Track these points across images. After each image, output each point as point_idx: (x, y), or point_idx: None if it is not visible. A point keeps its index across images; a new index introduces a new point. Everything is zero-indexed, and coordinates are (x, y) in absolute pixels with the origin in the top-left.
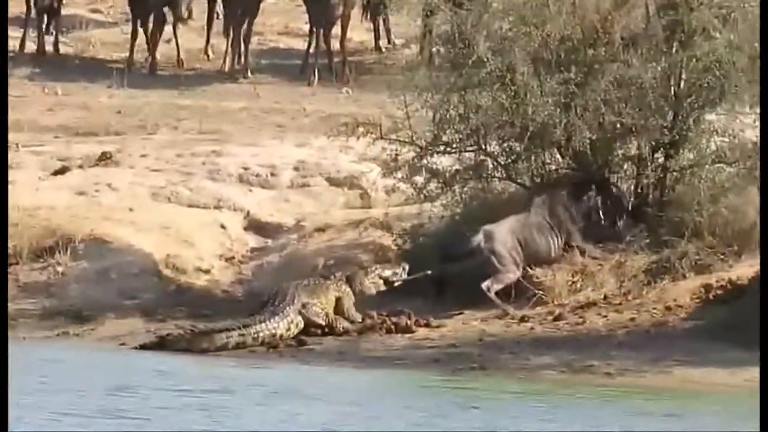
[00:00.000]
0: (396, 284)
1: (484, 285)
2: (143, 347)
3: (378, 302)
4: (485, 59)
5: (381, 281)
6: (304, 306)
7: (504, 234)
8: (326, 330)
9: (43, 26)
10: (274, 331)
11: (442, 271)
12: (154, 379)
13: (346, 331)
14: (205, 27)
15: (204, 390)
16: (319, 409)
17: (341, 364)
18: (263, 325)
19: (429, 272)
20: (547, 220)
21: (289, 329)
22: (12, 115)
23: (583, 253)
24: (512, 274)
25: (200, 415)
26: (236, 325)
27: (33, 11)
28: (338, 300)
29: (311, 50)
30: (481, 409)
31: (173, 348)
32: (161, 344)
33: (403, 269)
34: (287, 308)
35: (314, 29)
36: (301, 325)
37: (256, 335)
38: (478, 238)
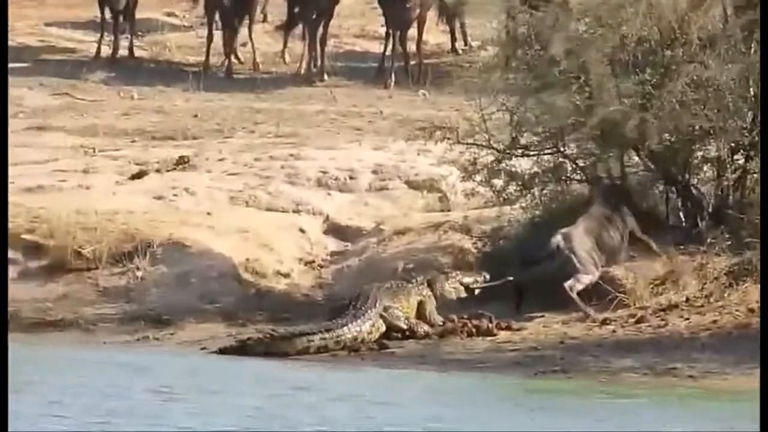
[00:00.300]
0: (476, 292)
1: (567, 284)
2: (223, 351)
3: (459, 306)
4: (559, 60)
5: (461, 287)
6: (385, 309)
7: (581, 235)
8: (407, 333)
9: (118, 30)
10: (356, 335)
11: (522, 275)
12: (235, 382)
13: (427, 335)
14: (283, 30)
15: (286, 392)
16: (401, 413)
17: (422, 367)
18: (345, 328)
19: (510, 278)
20: (609, 212)
21: (370, 332)
22: (88, 120)
23: (643, 242)
24: (592, 275)
25: (286, 416)
26: (318, 329)
27: (108, 15)
28: (420, 304)
29: (388, 53)
30: (564, 412)
31: (254, 352)
32: (242, 348)
33: (484, 278)
34: (369, 311)
35: (391, 32)
36: (383, 329)
37: (337, 339)
38: (557, 240)
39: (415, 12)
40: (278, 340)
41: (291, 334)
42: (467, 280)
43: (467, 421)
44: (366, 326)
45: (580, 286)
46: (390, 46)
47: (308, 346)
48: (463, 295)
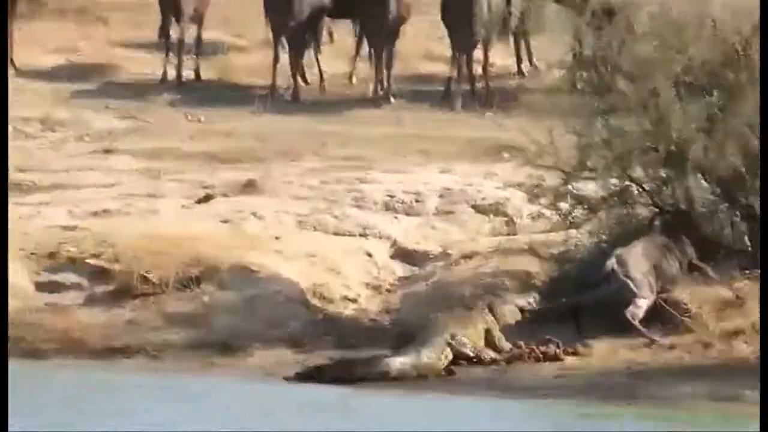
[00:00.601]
0: (528, 314)
1: (628, 313)
2: (299, 376)
3: (528, 331)
4: (626, 83)
5: (518, 310)
6: (452, 337)
7: (637, 258)
8: (474, 360)
9: (184, 51)
10: (427, 362)
11: (579, 298)
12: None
13: (494, 361)
14: (353, 52)
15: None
16: None
17: (490, 393)
18: (415, 355)
19: (564, 300)
20: (669, 240)
21: (439, 359)
22: (154, 143)
23: (701, 270)
24: (648, 299)
25: None
26: (395, 354)
27: (173, 37)
28: (487, 331)
29: (454, 75)
30: None
31: (330, 377)
32: (319, 372)
33: (534, 298)
34: (437, 339)
35: (457, 54)
36: (450, 356)
37: (412, 364)
38: (611, 263)
39: (481, 33)
40: (352, 365)
41: (367, 359)
42: (521, 302)
43: None
44: (434, 353)
45: (640, 313)
46: (456, 69)
47: (387, 371)
48: (519, 317)
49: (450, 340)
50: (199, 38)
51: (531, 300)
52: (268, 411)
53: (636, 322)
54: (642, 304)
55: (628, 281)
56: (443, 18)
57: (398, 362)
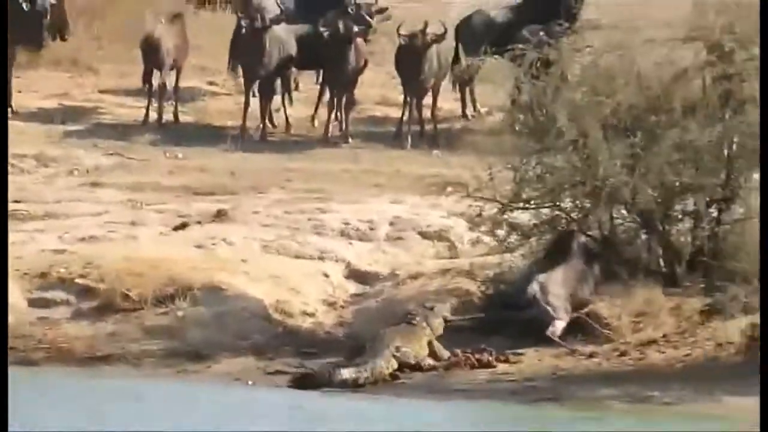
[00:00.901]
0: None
1: (549, 333)
2: (292, 383)
3: (464, 341)
4: (563, 129)
5: (442, 321)
6: (397, 349)
7: (557, 285)
8: (416, 367)
9: (164, 97)
10: (376, 371)
11: (500, 314)
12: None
13: (433, 368)
14: (316, 98)
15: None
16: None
17: (430, 396)
18: (366, 366)
19: (482, 315)
20: (585, 267)
21: (386, 368)
22: (136, 177)
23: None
24: (564, 320)
25: None
26: (351, 365)
27: (155, 84)
28: (429, 343)
29: (405, 118)
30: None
31: (317, 383)
32: (305, 378)
33: (451, 304)
34: (385, 351)
35: (408, 99)
36: (395, 365)
37: (365, 372)
38: (534, 290)
39: (430, 81)
40: (329, 373)
41: (333, 368)
42: (445, 313)
43: None
44: (383, 363)
45: (558, 332)
46: (407, 112)
47: (346, 379)
48: (442, 329)
49: (395, 353)
50: (176, 85)
51: (449, 307)
52: (236, 413)
53: (556, 339)
54: (559, 325)
55: (548, 307)
56: (397, 68)
57: (353, 372)
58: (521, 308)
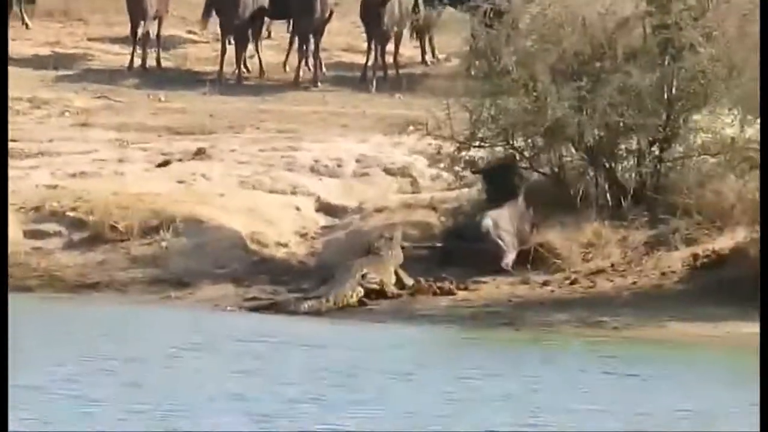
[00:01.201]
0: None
1: (504, 264)
2: (255, 309)
3: (426, 270)
4: (510, 69)
5: (401, 249)
6: (363, 277)
7: (505, 220)
8: (383, 294)
9: (148, 45)
10: (342, 297)
11: (456, 246)
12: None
13: (399, 296)
14: (286, 45)
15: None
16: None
17: (396, 320)
18: (331, 293)
19: (439, 245)
20: (524, 207)
21: (350, 296)
22: (122, 118)
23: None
24: (513, 253)
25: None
26: (314, 295)
27: (139, 32)
28: (395, 272)
29: (369, 64)
30: (512, 356)
31: (282, 310)
32: (273, 306)
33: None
34: (351, 280)
35: (371, 46)
36: (361, 293)
37: (327, 301)
38: (487, 225)
39: (392, 30)
40: (295, 302)
41: (300, 298)
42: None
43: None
44: (348, 291)
45: (510, 262)
46: (371, 59)
47: (307, 311)
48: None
49: (361, 280)
50: (159, 34)
51: (400, 235)
52: (215, 336)
53: (510, 269)
54: (510, 257)
55: (500, 242)
56: (361, 17)
57: (314, 303)
58: (475, 241)
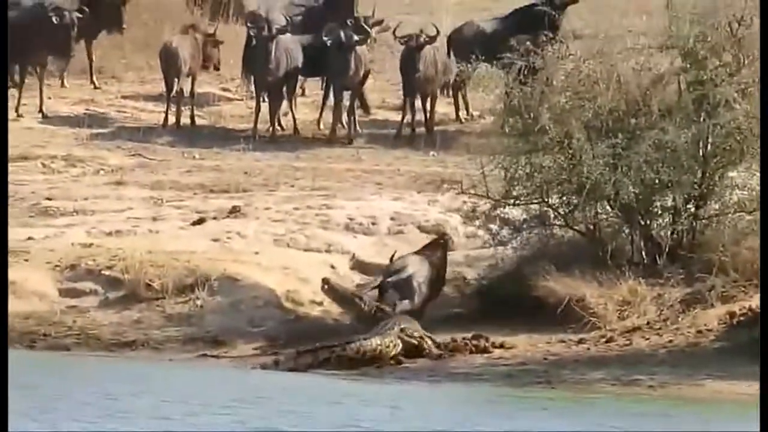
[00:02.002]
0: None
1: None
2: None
3: (463, 327)
4: (547, 128)
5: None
6: (402, 330)
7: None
8: (421, 352)
9: (182, 102)
10: (377, 347)
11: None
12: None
13: (439, 356)
14: (320, 103)
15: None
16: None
17: (432, 379)
18: (371, 340)
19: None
20: None
21: (388, 347)
22: (157, 176)
23: None
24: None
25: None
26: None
27: (172, 90)
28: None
29: (405, 121)
30: (549, 412)
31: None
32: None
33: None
34: (390, 331)
35: (407, 101)
36: (400, 347)
37: (366, 348)
38: None
39: (426, 83)
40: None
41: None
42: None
43: (464, 423)
44: (386, 341)
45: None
46: (407, 116)
47: (351, 352)
48: None
49: (400, 333)
50: (192, 91)
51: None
52: (251, 394)
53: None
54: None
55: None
56: (400, 70)
57: (358, 345)
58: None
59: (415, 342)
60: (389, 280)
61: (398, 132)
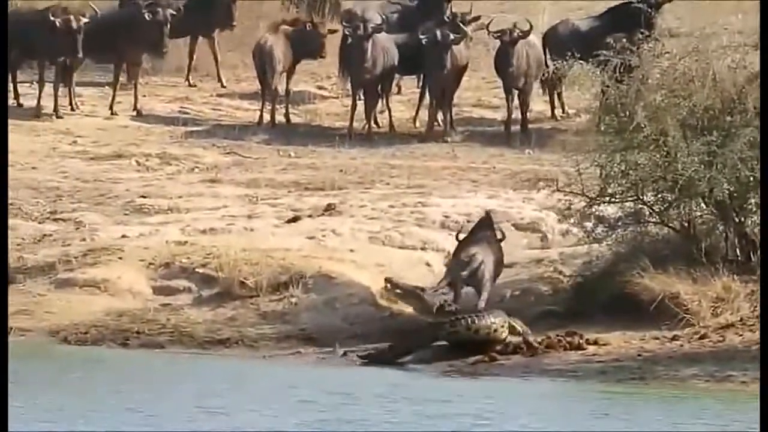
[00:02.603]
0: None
1: None
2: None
3: (556, 325)
4: (643, 126)
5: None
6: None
7: None
8: (518, 346)
9: (277, 100)
10: (490, 325)
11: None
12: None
13: (535, 350)
14: (416, 101)
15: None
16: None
17: (529, 375)
18: (481, 319)
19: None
20: None
21: (502, 326)
22: (252, 174)
23: None
24: None
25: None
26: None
27: (268, 90)
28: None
29: (502, 118)
30: (643, 409)
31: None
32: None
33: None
34: (501, 315)
35: (505, 97)
36: (507, 332)
37: (471, 326)
38: None
39: (521, 79)
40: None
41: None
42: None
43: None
44: (499, 320)
45: None
46: (506, 113)
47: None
48: None
49: (507, 318)
50: (287, 89)
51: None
52: (344, 390)
53: None
54: None
55: None
56: (495, 67)
57: (469, 322)
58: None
59: (520, 329)
60: (463, 273)
61: (507, 128)
